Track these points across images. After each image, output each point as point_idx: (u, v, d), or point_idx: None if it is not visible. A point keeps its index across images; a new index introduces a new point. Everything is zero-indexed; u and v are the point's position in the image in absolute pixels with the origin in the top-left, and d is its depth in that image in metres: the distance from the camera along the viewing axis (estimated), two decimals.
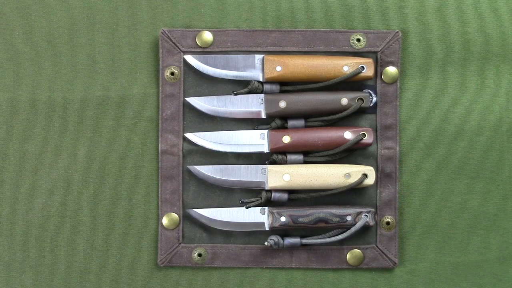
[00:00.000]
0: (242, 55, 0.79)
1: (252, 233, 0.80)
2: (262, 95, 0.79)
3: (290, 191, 0.79)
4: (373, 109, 0.80)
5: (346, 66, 0.78)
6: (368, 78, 0.78)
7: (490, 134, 0.80)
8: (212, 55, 0.79)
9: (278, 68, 0.78)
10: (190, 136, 0.80)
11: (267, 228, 0.79)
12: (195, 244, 0.80)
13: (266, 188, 0.79)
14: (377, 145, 0.80)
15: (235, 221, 0.79)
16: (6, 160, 0.81)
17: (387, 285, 0.81)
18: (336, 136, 0.78)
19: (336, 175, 0.78)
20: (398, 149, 0.80)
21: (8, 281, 0.81)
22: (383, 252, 0.80)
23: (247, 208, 0.79)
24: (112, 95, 0.80)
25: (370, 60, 0.78)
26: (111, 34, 0.80)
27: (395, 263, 0.80)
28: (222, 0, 0.80)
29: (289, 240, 0.78)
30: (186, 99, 0.79)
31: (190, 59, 0.79)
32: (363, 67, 0.78)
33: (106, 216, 0.81)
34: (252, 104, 0.79)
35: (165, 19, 0.80)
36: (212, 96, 0.79)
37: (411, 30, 0.80)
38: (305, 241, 0.79)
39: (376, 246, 0.80)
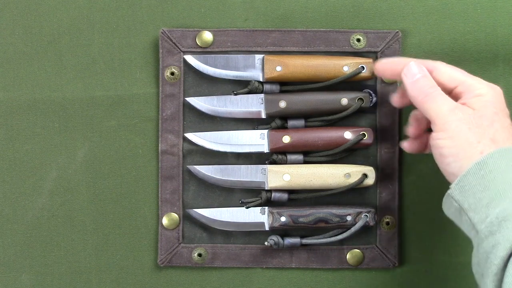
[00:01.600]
0: (242, 55, 0.79)
1: (252, 233, 0.80)
2: (262, 95, 0.79)
3: (290, 191, 0.79)
4: (373, 109, 0.80)
5: (346, 66, 0.78)
6: (368, 78, 0.78)
7: None
8: (212, 55, 0.79)
9: (278, 68, 0.78)
10: (190, 136, 0.80)
11: (267, 228, 0.79)
12: (195, 244, 0.80)
13: (266, 188, 0.79)
14: (377, 145, 0.80)
15: (235, 221, 0.79)
16: (6, 160, 0.81)
17: (387, 285, 0.81)
18: (336, 136, 0.78)
19: (336, 175, 0.78)
20: (398, 149, 0.80)
21: (8, 281, 0.81)
22: (383, 252, 0.80)
23: (247, 208, 0.79)
24: (112, 95, 0.80)
25: (370, 60, 0.78)
26: (111, 34, 0.80)
27: (395, 263, 0.80)
28: (222, 0, 0.80)
29: (289, 240, 0.79)
30: (186, 99, 0.79)
31: (190, 59, 0.79)
32: (363, 67, 0.78)
33: (106, 216, 0.81)
34: (252, 104, 0.79)
35: (165, 19, 0.80)
36: (212, 96, 0.79)
37: (411, 30, 0.80)
38: (305, 241, 0.79)
39: (376, 246, 0.80)
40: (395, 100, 0.74)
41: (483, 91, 0.66)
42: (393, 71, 0.71)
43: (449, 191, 0.64)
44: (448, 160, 0.64)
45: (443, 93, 0.66)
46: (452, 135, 0.63)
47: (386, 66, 0.72)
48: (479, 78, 0.68)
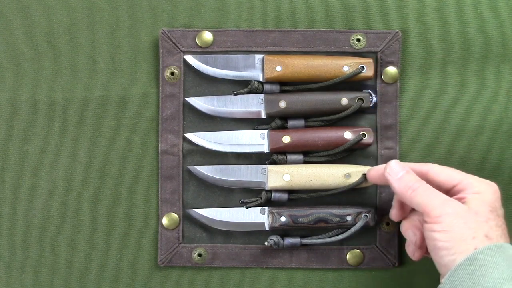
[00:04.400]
0: (242, 55, 0.79)
1: (252, 233, 0.80)
2: (262, 95, 0.79)
3: (290, 191, 0.79)
4: (373, 109, 0.80)
5: (346, 66, 0.78)
6: (368, 78, 0.78)
7: (490, 134, 0.80)
8: (212, 55, 0.79)
9: (278, 68, 0.78)
10: (190, 136, 0.80)
11: (267, 228, 0.79)
12: (195, 244, 0.80)
13: (266, 188, 0.79)
14: (377, 145, 0.80)
15: (235, 221, 0.79)
16: (6, 160, 0.81)
17: (387, 285, 0.81)
18: (336, 136, 0.78)
19: (336, 175, 0.78)
20: (398, 149, 0.80)
21: (8, 281, 0.81)
22: (383, 252, 0.80)
23: (247, 208, 0.79)
24: (112, 95, 0.80)
25: (370, 60, 0.78)
26: (111, 34, 0.80)
27: (395, 263, 0.80)
28: (222, 0, 0.80)
29: (289, 240, 0.79)
30: (186, 99, 0.79)
31: (190, 59, 0.79)
32: (363, 67, 0.78)
33: (106, 216, 0.81)
34: (252, 104, 0.79)
35: (165, 19, 0.80)
36: (212, 96, 0.79)
37: (411, 30, 0.80)
38: (305, 241, 0.79)
39: (376, 246, 0.80)
40: (394, 214, 0.74)
41: (481, 189, 0.67)
42: (383, 177, 0.71)
43: (440, 286, 0.64)
44: (442, 253, 0.64)
45: (430, 186, 0.68)
46: (447, 229, 0.64)
47: (376, 174, 0.73)
48: (475, 176, 0.69)
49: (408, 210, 0.74)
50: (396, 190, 0.69)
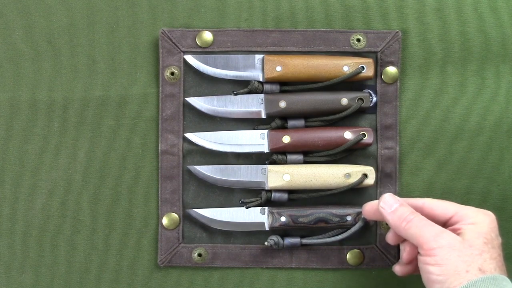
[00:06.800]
0: (242, 55, 0.79)
1: (252, 233, 0.80)
2: (262, 95, 0.79)
3: (290, 191, 0.79)
4: (373, 109, 0.80)
5: (346, 66, 0.78)
6: (368, 78, 0.79)
7: (490, 134, 0.80)
8: (212, 55, 0.79)
9: (278, 68, 0.78)
10: (190, 136, 0.80)
11: (267, 228, 0.79)
12: (195, 244, 0.80)
13: (266, 188, 0.79)
14: (377, 145, 0.80)
15: (235, 221, 0.79)
16: (6, 160, 0.81)
17: (387, 285, 0.81)
18: (336, 136, 0.78)
19: (336, 175, 0.78)
20: (398, 149, 0.80)
21: (8, 281, 0.81)
22: (383, 252, 0.80)
23: (247, 208, 0.79)
24: (112, 95, 0.80)
25: (370, 60, 0.78)
26: (111, 34, 0.80)
27: (395, 263, 0.80)
28: (222, 0, 0.80)
29: (289, 240, 0.79)
30: (186, 99, 0.80)
31: (190, 59, 0.79)
32: (363, 67, 0.78)
33: (106, 216, 0.81)
34: (252, 104, 0.79)
35: (165, 19, 0.80)
36: (212, 96, 0.79)
37: (411, 30, 0.80)
38: (305, 241, 0.79)
39: (376, 246, 0.80)
40: (389, 238, 0.74)
41: (477, 219, 0.67)
42: (378, 212, 0.71)
43: None
44: (436, 286, 0.64)
45: (425, 218, 0.68)
46: (441, 262, 0.64)
47: (371, 209, 0.73)
48: (472, 207, 0.69)
49: None
50: (390, 223, 0.69)
